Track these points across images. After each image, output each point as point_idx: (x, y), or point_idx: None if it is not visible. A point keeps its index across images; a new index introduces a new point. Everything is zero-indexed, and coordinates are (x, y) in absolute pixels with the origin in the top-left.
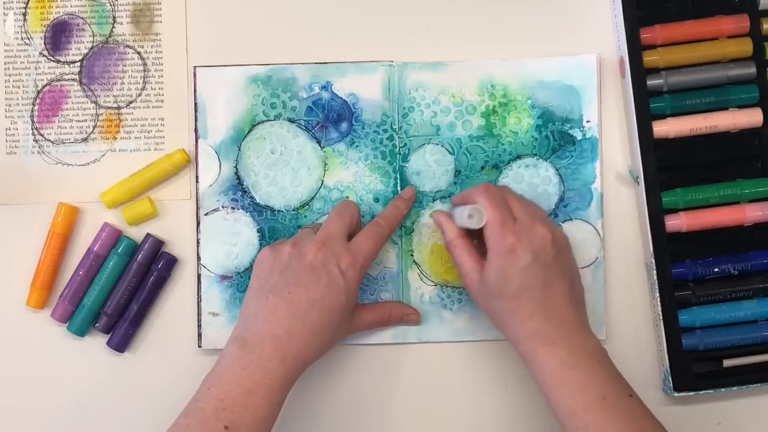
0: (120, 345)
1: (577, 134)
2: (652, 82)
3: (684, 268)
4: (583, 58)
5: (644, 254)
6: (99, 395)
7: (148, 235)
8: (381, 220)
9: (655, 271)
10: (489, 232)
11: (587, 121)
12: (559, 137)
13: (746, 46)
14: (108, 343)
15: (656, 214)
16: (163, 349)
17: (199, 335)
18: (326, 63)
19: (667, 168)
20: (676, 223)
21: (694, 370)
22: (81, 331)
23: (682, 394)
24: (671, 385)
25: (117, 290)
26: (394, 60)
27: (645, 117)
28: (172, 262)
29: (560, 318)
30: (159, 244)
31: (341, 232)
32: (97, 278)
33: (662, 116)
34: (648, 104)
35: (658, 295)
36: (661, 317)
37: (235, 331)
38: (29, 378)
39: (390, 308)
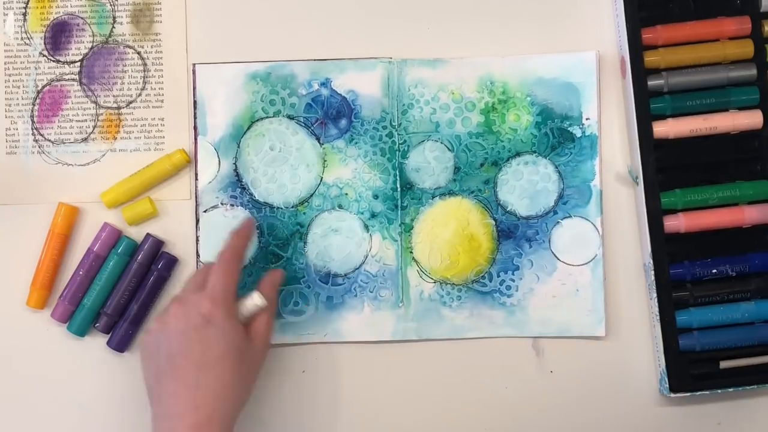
0: (120, 345)
1: (577, 131)
2: (652, 82)
3: (682, 268)
4: (582, 55)
5: (642, 254)
6: (99, 395)
7: (148, 235)
8: (224, 250)
9: (653, 272)
10: None
11: (586, 119)
12: (558, 134)
13: (747, 48)
14: (108, 343)
15: (655, 214)
16: None
17: None
18: (325, 60)
19: (667, 168)
20: (674, 223)
21: (691, 371)
22: (81, 331)
23: (678, 394)
24: (667, 385)
25: (117, 290)
26: (393, 57)
27: (645, 117)
28: (172, 262)
29: None
30: (159, 244)
31: (195, 282)
32: (97, 278)
33: (662, 117)
34: (648, 104)
35: (655, 295)
36: (658, 318)
37: (152, 414)
38: (29, 378)
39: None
